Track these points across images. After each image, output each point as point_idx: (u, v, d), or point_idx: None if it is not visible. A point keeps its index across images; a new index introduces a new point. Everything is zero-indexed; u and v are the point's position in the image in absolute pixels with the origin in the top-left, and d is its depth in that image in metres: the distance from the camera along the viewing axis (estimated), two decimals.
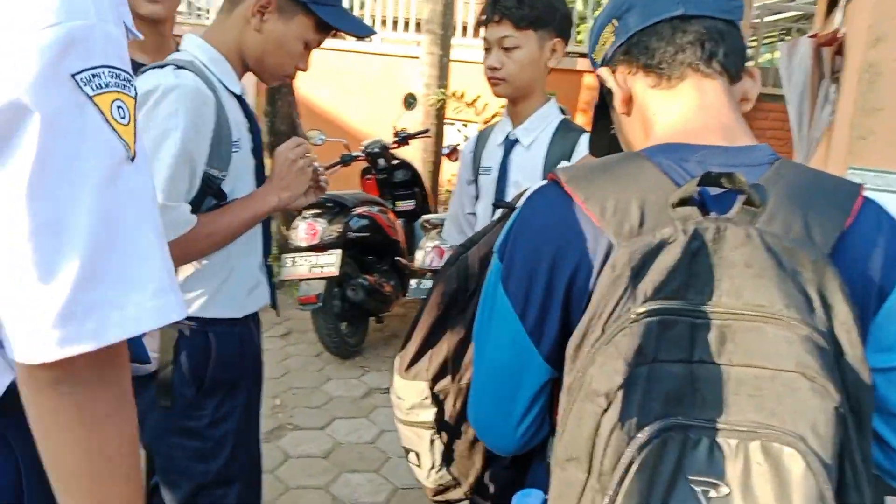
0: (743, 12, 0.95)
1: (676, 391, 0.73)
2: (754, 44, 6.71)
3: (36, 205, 0.64)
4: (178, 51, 1.53)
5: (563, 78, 6.13)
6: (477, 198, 1.98)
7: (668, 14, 0.90)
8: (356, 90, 7.10)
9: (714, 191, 0.83)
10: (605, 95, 1.02)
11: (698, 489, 0.69)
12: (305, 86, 7.01)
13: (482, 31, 1.89)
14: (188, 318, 1.47)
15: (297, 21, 1.50)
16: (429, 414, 1.25)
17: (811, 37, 2.43)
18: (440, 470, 1.28)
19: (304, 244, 3.91)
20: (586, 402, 0.74)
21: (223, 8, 1.53)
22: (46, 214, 0.65)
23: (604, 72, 0.98)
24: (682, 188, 0.79)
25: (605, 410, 0.73)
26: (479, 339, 0.96)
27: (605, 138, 1.09)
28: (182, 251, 1.37)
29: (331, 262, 3.84)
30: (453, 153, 4.90)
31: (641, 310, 0.73)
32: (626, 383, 0.72)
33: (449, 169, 6.14)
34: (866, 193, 0.85)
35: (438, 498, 1.30)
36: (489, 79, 1.87)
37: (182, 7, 6.43)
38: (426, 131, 5.28)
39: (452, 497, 1.29)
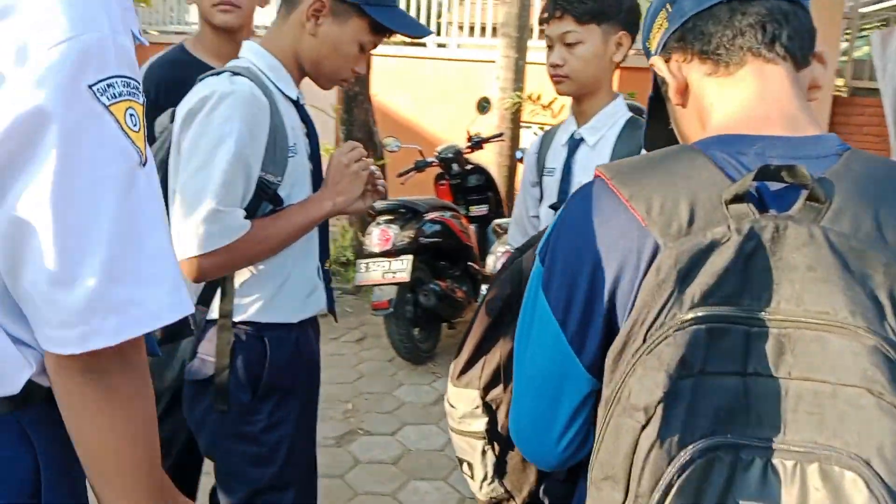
0: None
1: (727, 407, 0.66)
2: (849, 36, 6.33)
3: (61, 209, 0.70)
4: (237, 58, 1.55)
5: (643, 77, 5.95)
6: (541, 200, 1.93)
7: None
8: (433, 97, 7.13)
9: (774, 186, 0.75)
10: (659, 87, 0.96)
11: None
12: (383, 94, 7.10)
13: (545, 29, 1.83)
14: (244, 323, 1.48)
15: (352, 23, 1.49)
16: (480, 424, 1.21)
17: None
18: (492, 482, 1.23)
19: (377, 250, 3.93)
20: (624, 416, 0.69)
21: (279, 14, 1.54)
22: (71, 218, 0.70)
23: (657, 61, 0.91)
24: (737, 183, 0.72)
25: (644, 426, 0.67)
26: (519, 346, 0.92)
27: (662, 133, 1.02)
28: (235, 256, 1.38)
29: (402, 267, 3.85)
30: None
31: (688, 317, 0.67)
32: (667, 397, 0.66)
33: None
34: None
35: None
36: (551, 77, 1.81)
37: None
38: (500, 135, 5.23)
39: None
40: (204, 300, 1.48)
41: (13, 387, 0.77)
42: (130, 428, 0.78)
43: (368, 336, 4.61)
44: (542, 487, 1.18)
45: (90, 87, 0.69)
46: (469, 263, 4.37)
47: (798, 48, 0.83)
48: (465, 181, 4.79)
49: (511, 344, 1.15)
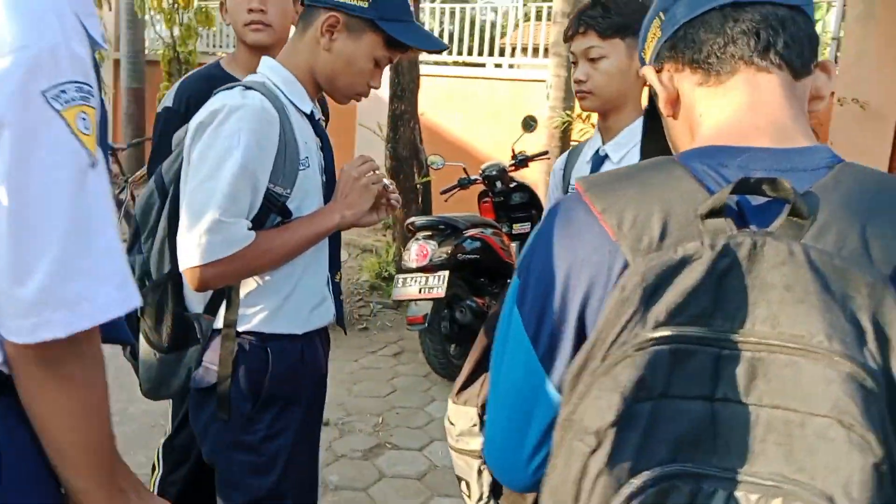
0: None
1: (692, 433, 0.63)
2: None
3: (16, 210, 0.74)
4: (255, 73, 1.58)
5: None
6: None
7: (719, 1, 0.79)
8: (484, 116, 7.15)
9: (757, 200, 0.72)
10: (654, 98, 0.93)
11: None
12: (434, 113, 7.16)
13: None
14: (248, 333, 1.49)
15: (366, 39, 1.50)
16: (477, 442, 1.19)
17: None
18: (488, 502, 1.21)
19: (414, 265, 3.95)
20: (575, 439, 0.66)
21: (297, 30, 1.57)
22: (26, 218, 0.75)
23: (648, 71, 0.88)
24: (714, 196, 0.69)
25: (594, 451, 0.64)
26: (494, 362, 0.89)
27: (659, 146, 0.99)
28: (239, 266, 1.40)
29: (438, 283, 3.85)
30: None
31: (650, 336, 0.64)
32: (620, 421, 0.63)
33: None
34: None
35: None
36: (576, 93, 1.80)
37: None
38: (545, 153, 5.19)
39: None
40: (211, 309, 1.50)
41: None
42: (84, 413, 0.84)
43: (406, 351, 4.62)
44: None
45: (43, 93, 0.73)
46: (509, 281, 4.33)
47: (796, 56, 0.79)
48: (508, 199, 4.76)
49: None
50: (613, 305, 0.68)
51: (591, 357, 0.68)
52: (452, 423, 1.23)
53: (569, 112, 5.96)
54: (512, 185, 4.78)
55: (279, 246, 1.44)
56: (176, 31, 8.09)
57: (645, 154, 1.04)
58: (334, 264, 1.64)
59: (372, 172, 1.58)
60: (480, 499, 1.22)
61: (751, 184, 0.68)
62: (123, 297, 0.82)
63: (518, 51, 7.98)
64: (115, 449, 0.93)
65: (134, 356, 1.61)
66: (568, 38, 1.81)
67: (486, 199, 4.84)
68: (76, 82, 0.75)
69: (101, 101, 0.83)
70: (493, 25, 8.04)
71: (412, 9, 1.61)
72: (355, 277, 5.80)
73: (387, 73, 5.20)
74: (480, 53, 8.01)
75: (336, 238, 1.64)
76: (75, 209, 0.76)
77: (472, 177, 4.68)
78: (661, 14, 0.86)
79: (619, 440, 0.63)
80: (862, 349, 0.61)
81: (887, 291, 0.62)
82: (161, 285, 1.50)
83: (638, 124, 1.77)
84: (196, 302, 1.52)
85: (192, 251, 1.35)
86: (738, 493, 0.61)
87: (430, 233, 4.06)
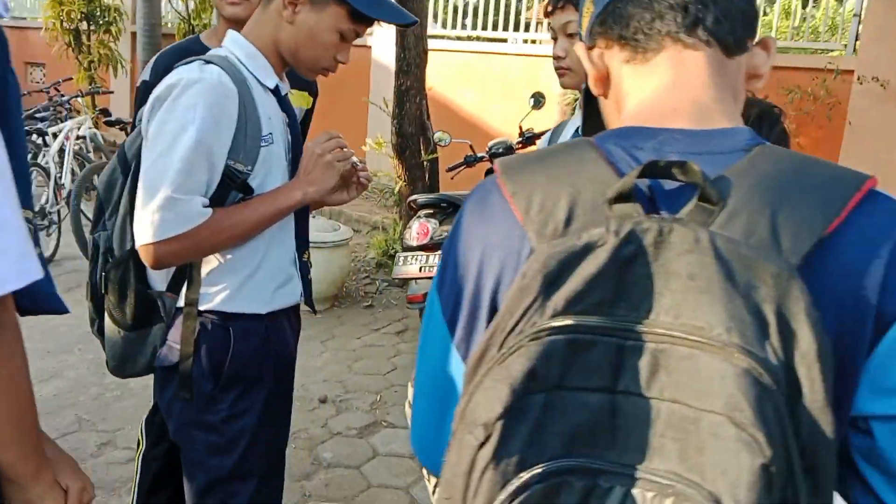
0: None
1: (590, 426, 0.60)
2: None
3: None
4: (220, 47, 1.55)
5: None
6: None
7: None
8: (497, 92, 7.05)
9: (671, 185, 0.68)
10: None
11: None
12: (447, 89, 7.07)
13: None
14: (209, 312, 1.48)
15: (330, 11, 1.46)
16: None
17: None
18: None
19: (415, 243, 3.92)
20: (466, 432, 0.63)
21: (262, 2, 1.53)
22: None
23: (578, 48, 0.84)
24: (622, 180, 0.65)
25: (483, 444, 0.61)
26: (419, 347, 0.87)
27: (600, 127, 0.95)
28: (195, 244, 1.37)
29: (438, 262, 3.81)
30: None
31: (546, 325, 0.61)
32: (508, 413, 0.60)
33: None
34: (880, 190, 0.66)
35: None
36: (556, 69, 1.75)
37: None
38: None
39: None
40: (174, 287, 1.49)
41: None
42: (2, 384, 0.84)
43: (409, 329, 4.61)
44: None
45: None
46: None
47: (728, 32, 0.74)
48: None
49: None
50: (514, 292, 0.65)
51: (490, 346, 0.66)
52: (411, 407, 1.21)
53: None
54: None
55: (237, 223, 1.42)
56: (191, 5, 8.07)
57: (586, 135, 1.00)
58: (302, 243, 1.61)
59: (339, 150, 1.54)
60: (437, 485, 1.21)
61: (660, 167, 0.64)
62: (22, 269, 0.81)
63: (533, 26, 7.84)
64: (37, 420, 0.92)
65: (100, 332, 1.60)
66: (548, 13, 1.76)
67: None
68: None
69: (5, 76, 0.80)
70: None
71: None
72: (363, 255, 5.79)
73: (393, 47, 5.13)
74: (504, 28, 7.85)
75: (304, 216, 1.61)
76: None
77: (479, 154, 4.61)
78: None
79: (507, 433, 0.60)
80: (763, 343, 0.57)
81: (794, 282, 0.58)
82: (123, 262, 1.49)
83: None
84: (159, 280, 1.50)
85: (145, 228, 1.33)
86: (635, 491, 0.58)
87: (431, 211, 4.02)
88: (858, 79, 4.92)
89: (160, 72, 1.95)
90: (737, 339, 0.57)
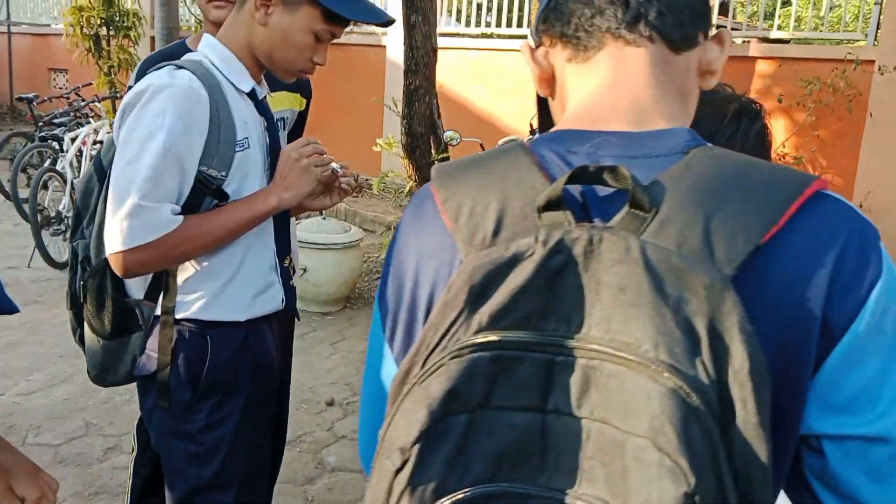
0: None
1: (517, 448, 0.56)
2: None
3: None
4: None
5: (734, 67, 5.58)
6: None
7: None
8: (512, 89, 6.99)
9: (605, 191, 0.64)
10: None
11: None
12: (461, 87, 7.02)
13: None
14: (187, 320, 1.46)
15: (303, 12, 1.43)
16: None
17: None
18: None
19: None
20: (384, 458, 0.60)
21: (237, 5, 1.50)
22: None
23: (523, 47, 0.80)
24: (550, 187, 0.61)
25: (399, 470, 0.58)
26: (366, 357, 0.85)
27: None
28: (164, 252, 1.35)
29: None
30: None
31: (469, 342, 0.57)
32: (426, 436, 0.57)
33: None
34: (829, 192, 0.62)
35: None
36: None
37: None
38: None
39: None
40: (151, 295, 1.47)
41: None
42: None
43: None
44: None
45: None
46: None
47: (673, 27, 0.69)
48: None
49: None
50: (438, 307, 0.62)
51: (414, 364, 0.62)
52: None
53: None
54: None
55: (210, 230, 1.40)
56: None
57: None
58: (284, 248, 1.59)
59: (316, 155, 1.51)
60: None
61: (591, 172, 0.60)
62: None
63: None
64: None
65: (82, 341, 1.59)
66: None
67: None
68: None
69: None
70: None
71: None
72: (376, 255, 5.78)
73: (402, 46, 5.10)
74: (518, 24, 7.78)
75: (285, 221, 1.59)
76: None
77: None
78: None
79: (425, 458, 0.57)
80: (693, 360, 0.53)
81: (727, 294, 0.54)
82: (100, 271, 1.47)
83: None
84: (137, 288, 1.49)
85: (114, 236, 1.32)
86: None
87: None
88: (879, 69, 4.78)
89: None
90: (664, 356, 0.53)
